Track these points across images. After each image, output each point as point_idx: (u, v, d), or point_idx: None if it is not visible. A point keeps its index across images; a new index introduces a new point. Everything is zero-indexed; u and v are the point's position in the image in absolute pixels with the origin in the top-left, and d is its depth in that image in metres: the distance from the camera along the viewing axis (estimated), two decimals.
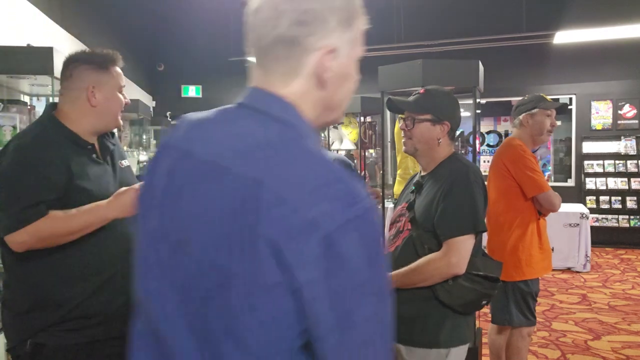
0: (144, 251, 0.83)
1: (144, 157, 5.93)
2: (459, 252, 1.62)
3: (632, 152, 7.23)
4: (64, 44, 4.47)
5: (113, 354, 1.65)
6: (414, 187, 1.80)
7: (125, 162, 1.83)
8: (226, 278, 0.70)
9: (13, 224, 1.51)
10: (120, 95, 1.73)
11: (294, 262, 0.67)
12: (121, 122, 1.78)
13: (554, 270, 5.89)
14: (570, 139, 7.92)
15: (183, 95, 8.78)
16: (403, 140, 1.83)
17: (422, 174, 1.84)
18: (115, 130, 1.86)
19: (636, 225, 7.24)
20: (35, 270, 1.58)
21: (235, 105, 0.81)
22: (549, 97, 2.83)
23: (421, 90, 1.81)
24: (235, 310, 0.70)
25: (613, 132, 7.39)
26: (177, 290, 0.76)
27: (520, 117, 2.74)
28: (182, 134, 0.82)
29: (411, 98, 1.82)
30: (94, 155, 1.69)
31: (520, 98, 2.90)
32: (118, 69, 1.75)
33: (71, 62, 1.71)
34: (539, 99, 2.73)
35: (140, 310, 0.85)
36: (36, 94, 3.45)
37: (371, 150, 4.69)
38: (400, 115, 1.96)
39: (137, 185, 1.62)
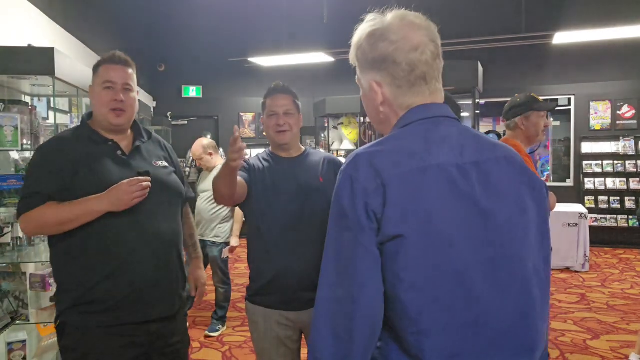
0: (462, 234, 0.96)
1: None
2: None
3: (631, 152, 7.25)
4: (65, 45, 4.48)
5: (132, 343, 1.73)
6: None
7: (161, 162, 1.90)
8: (530, 218, 1.02)
9: (17, 212, 1.74)
10: (105, 91, 1.77)
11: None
12: (119, 120, 1.79)
13: (552, 269, 5.89)
14: (569, 139, 7.94)
15: (183, 95, 8.79)
16: None
17: None
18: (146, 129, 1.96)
19: (635, 225, 7.26)
20: (62, 254, 1.75)
21: (425, 120, 1.04)
22: (546, 98, 2.87)
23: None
24: (532, 242, 1.01)
25: (612, 133, 7.41)
26: (491, 256, 0.97)
27: (516, 119, 2.77)
28: (429, 155, 0.99)
29: None
30: (119, 152, 1.80)
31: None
32: (108, 66, 1.79)
33: None
34: (532, 100, 2.75)
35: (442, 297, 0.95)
36: (37, 94, 3.45)
37: None
38: None
39: (126, 181, 1.67)
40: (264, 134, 2.12)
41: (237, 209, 3.90)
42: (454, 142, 1.01)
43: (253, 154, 8.72)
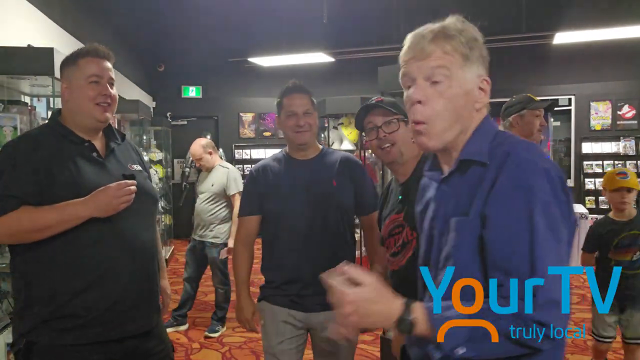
0: None
1: (144, 157, 5.93)
2: None
3: (631, 152, 7.25)
4: (64, 45, 4.47)
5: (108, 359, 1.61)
6: (400, 197, 1.74)
7: (136, 166, 1.81)
8: None
9: None
10: (91, 86, 1.65)
11: None
12: (106, 115, 1.68)
13: None
14: (569, 140, 7.93)
15: (183, 95, 8.78)
16: (385, 148, 1.72)
17: (400, 181, 1.77)
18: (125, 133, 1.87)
19: None
20: (31, 264, 1.60)
21: None
22: (546, 98, 2.86)
23: (378, 99, 1.77)
24: None
25: (612, 133, 7.40)
26: None
27: (510, 118, 2.78)
28: None
29: (375, 102, 1.76)
30: (94, 154, 1.68)
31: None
32: (90, 59, 1.67)
33: (59, 68, 1.74)
34: (527, 100, 2.75)
35: None
36: (37, 94, 3.45)
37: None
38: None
39: (114, 184, 1.57)
40: (284, 134, 2.10)
41: (235, 210, 3.90)
42: None
43: (253, 154, 8.72)
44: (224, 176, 4.08)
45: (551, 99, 2.95)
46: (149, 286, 1.74)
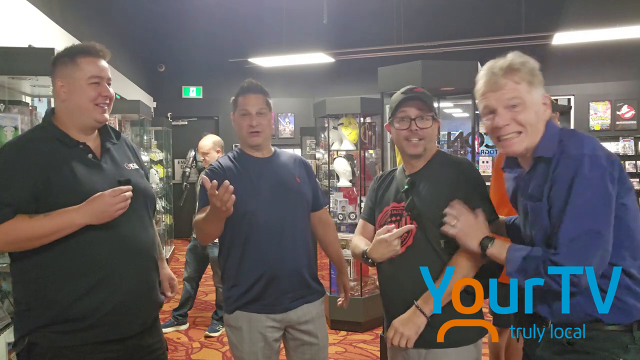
0: None
1: (145, 157, 5.94)
2: None
3: (630, 152, 7.25)
4: (64, 45, 4.48)
5: (109, 359, 1.61)
6: (406, 186, 1.75)
7: (133, 165, 1.78)
8: None
9: None
10: (92, 86, 1.62)
11: None
12: (105, 116, 1.66)
13: None
14: None
15: (184, 96, 8.80)
16: (414, 141, 1.73)
17: (407, 172, 1.79)
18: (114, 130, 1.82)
19: None
20: (31, 268, 1.58)
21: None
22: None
23: (418, 89, 1.77)
24: None
25: (611, 133, 7.40)
26: None
27: None
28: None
29: (414, 93, 1.76)
30: (90, 155, 1.65)
31: None
32: (91, 59, 1.64)
33: (51, 64, 1.70)
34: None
35: None
36: (37, 94, 3.45)
37: (371, 151, 4.70)
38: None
39: (108, 192, 1.54)
40: (238, 132, 2.09)
41: None
42: None
43: None
44: None
45: (555, 99, 2.94)
46: (149, 286, 1.73)
